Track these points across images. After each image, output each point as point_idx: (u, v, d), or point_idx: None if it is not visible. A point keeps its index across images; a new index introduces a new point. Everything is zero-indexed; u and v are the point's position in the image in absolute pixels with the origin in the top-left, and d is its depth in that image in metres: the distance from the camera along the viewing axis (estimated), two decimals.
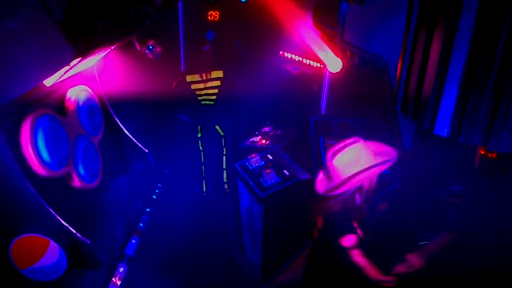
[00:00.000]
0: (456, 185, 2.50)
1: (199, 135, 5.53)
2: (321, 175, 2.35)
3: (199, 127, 5.52)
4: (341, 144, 2.25)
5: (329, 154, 2.27)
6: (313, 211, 2.40)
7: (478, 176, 2.60)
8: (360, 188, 2.18)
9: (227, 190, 5.59)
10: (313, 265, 2.50)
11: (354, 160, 2.15)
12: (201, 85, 5.39)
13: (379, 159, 2.16)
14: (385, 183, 3.49)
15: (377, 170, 2.14)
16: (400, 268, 2.12)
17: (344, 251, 2.11)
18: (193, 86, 5.36)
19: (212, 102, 5.55)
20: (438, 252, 2.14)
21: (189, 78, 5.29)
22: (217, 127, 5.54)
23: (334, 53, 3.92)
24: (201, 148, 5.58)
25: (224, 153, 5.59)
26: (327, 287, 2.38)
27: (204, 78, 5.38)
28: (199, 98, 5.48)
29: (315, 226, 2.35)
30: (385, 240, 2.36)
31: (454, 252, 2.15)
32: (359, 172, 2.11)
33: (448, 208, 2.42)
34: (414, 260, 2.12)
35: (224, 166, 5.60)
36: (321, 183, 2.31)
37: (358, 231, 2.19)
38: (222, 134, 5.55)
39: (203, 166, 5.64)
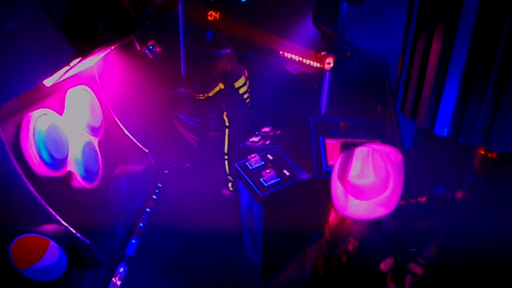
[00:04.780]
0: (438, 187, 2.41)
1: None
2: (340, 196, 2.09)
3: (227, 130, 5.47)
4: (347, 159, 2.05)
5: (337, 174, 2.07)
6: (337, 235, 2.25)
7: (478, 176, 2.59)
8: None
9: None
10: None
11: (372, 169, 1.96)
12: (245, 88, 5.37)
13: (390, 164, 1.97)
14: None
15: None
16: (408, 281, 2.03)
17: (382, 275, 2.01)
18: (241, 91, 5.32)
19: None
20: (433, 257, 2.05)
21: (237, 84, 5.25)
22: None
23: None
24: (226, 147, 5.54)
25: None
26: None
27: (246, 80, 5.38)
28: (247, 100, 5.48)
29: (345, 250, 2.19)
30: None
31: (446, 254, 2.10)
32: (395, 177, 1.91)
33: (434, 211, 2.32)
34: (415, 269, 2.03)
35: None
36: (344, 204, 2.07)
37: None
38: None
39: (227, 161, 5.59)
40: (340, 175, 2.05)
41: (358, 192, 1.99)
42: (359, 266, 2.12)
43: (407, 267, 2.03)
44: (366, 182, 1.95)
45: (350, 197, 2.01)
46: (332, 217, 2.33)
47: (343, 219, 2.22)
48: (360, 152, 2.00)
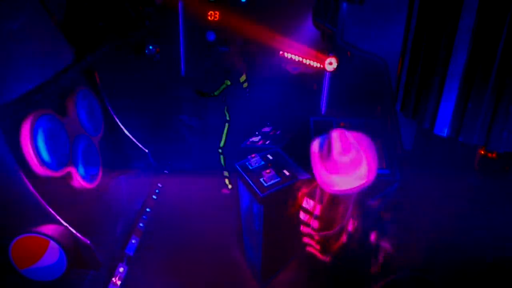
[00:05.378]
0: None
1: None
2: (324, 174, 2.27)
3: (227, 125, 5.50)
4: (325, 141, 2.23)
5: (321, 155, 2.25)
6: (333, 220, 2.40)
7: (478, 176, 2.60)
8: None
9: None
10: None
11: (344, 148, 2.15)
12: (246, 84, 5.42)
13: (361, 142, 2.17)
14: (384, 183, 3.49)
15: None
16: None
17: (376, 246, 2.23)
18: (244, 85, 5.39)
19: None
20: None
21: (241, 79, 5.32)
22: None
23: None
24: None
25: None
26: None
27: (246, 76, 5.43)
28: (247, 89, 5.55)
29: (345, 230, 2.35)
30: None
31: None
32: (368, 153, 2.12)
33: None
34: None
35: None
36: (328, 181, 2.27)
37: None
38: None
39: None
40: (324, 156, 2.24)
41: (340, 169, 2.19)
42: (359, 243, 2.30)
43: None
44: (347, 159, 2.15)
45: (333, 175, 2.23)
46: (315, 207, 2.54)
47: (331, 205, 2.39)
48: (337, 135, 2.20)
